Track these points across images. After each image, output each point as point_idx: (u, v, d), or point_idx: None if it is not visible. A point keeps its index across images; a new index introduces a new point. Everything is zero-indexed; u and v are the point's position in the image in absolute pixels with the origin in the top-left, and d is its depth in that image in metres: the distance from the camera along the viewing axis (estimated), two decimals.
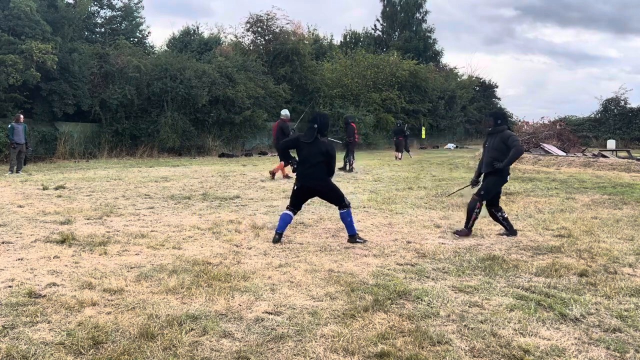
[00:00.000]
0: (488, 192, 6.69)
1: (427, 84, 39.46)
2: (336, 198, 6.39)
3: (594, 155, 21.42)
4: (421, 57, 46.99)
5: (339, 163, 17.20)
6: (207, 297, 4.21)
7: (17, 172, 14.94)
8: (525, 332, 3.59)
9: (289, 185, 10.96)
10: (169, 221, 7.62)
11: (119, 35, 26.66)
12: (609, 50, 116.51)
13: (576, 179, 13.87)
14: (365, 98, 34.55)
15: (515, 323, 3.75)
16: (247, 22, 31.31)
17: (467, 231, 6.71)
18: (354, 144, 16.92)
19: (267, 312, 3.92)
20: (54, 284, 4.54)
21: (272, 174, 13.65)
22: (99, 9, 28.45)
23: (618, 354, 3.30)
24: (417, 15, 52.49)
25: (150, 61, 24.58)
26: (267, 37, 31.22)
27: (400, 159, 22.92)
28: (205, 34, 33.32)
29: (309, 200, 7.05)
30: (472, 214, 6.67)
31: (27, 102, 20.03)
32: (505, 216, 6.82)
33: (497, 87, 57.77)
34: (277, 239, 6.24)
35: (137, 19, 29.64)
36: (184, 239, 6.43)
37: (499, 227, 7.20)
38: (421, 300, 4.21)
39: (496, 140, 6.62)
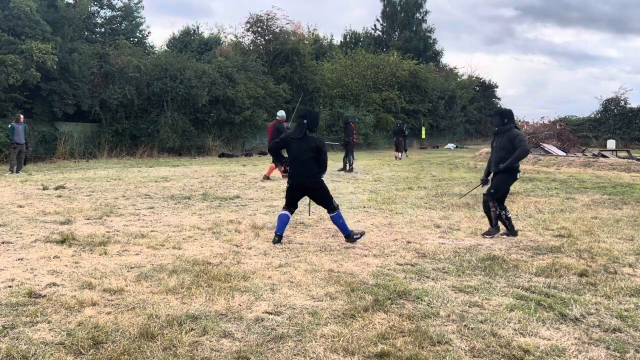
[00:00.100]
0: (498, 191, 6.64)
1: (427, 84, 39.47)
2: (325, 200, 6.34)
3: (594, 155, 21.42)
4: (421, 57, 47.02)
5: (339, 164, 17.22)
6: (207, 297, 4.21)
7: (17, 172, 14.94)
8: (525, 332, 3.59)
9: None
10: (169, 221, 7.62)
11: (119, 35, 26.67)
12: (609, 50, 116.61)
13: (576, 179, 13.87)
14: (365, 98, 34.57)
15: (515, 323, 3.75)
16: (247, 22, 31.37)
17: (494, 230, 6.64)
18: (353, 143, 16.91)
19: (267, 312, 3.92)
20: (54, 284, 4.53)
21: (266, 177, 13.59)
22: (99, 9, 28.48)
23: (618, 354, 3.30)
24: (417, 15, 52.54)
25: (150, 61, 24.59)
26: (267, 37, 31.23)
27: (400, 158, 22.93)
28: (205, 34, 33.36)
29: (308, 200, 7.05)
30: (491, 214, 6.62)
31: (27, 102, 20.04)
32: (509, 216, 6.80)
33: (497, 87, 57.82)
34: (277, 240, 6.23)
35: (137, 19, 29.66)
36: (184, 239, 6.43)
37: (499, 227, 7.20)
38: (421, 300, 4.21)
39: (503, 139, 6.59)
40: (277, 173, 13.76)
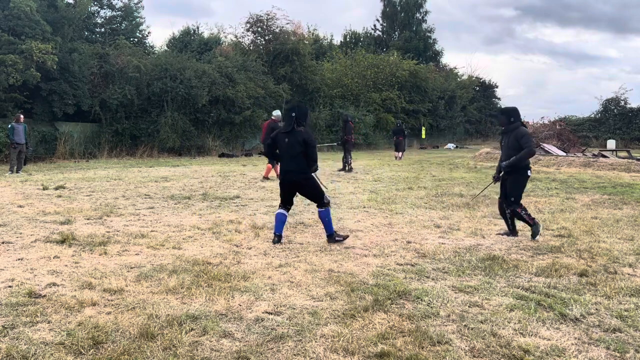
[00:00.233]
0: (517, 194, 6.55)
1: (427, 84, 39.48)
2: (316, 196, 6.29)
3: (594, 155, 21.42)
4: (421, 57, 47.01)
5: (339, 164, 17.21)
6: (207, 297, 4.21)
7: (17, 172, 14.95)
8: (525, 332, 3.59)
9: None
10: (169, 221, 7.62)
11: (119, 35, 26.67)
12: (609, 50, 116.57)
13: (576, 179, 13.87)
14: (365, 98, 34.58)
15: (515, 323, 3.75)
16: (247, 22, 31.37)
17: (537, 226, 6.52)
18: (351, 142, 16.91)
19: (267, 312, 3.92)
20: (54, 284, 4.53)
21: (265, 178, 13.58)
22: (99, 9, 28.49)
23: (618, 354, 3.30)
24: (417, 15, 52.52)
25: (150, 61, 24.60)
26: (267, 37, 31.24)
27: (400, 158, 22.95)
28: (205, 34, 33.36)
29: (308, 201, 7.05)
30: (523, 218, 6.51)
31: (27, 102, 20.04)
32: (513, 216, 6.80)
33: (497, 87, 57.81)
34: (277, 240, 6.22)
35: (137, 19, 29.66)
36: (184, 239, 6.43)
37: (499, 227, 7.21)
38: (421, 300, 4.21)
39: (511, 138, 6.54)
40: (275, 173, 13.75)
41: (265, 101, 27.48)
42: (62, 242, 6.08)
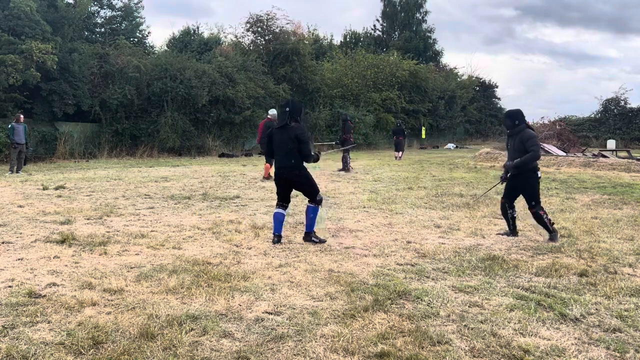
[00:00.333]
0: (536, 197, 6.51)
1: (427, 84, 39.48)
2: (309, 192, 6.26)
3: (594, 155, 21.42)
4: (421, 57, 47.01)
5: (339, 164, 17.20)
6: (207, 297, 4.21)
7: (17, 172, 14.95)
8: (525, 332, 3.59)
9: None
10: (169, 221, 7.62)
11: (119, 35, 26.67)
12: (609, 50, 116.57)
13: (576, 179, 13.87)
14: (365, 98, 34.58)
15: (515, 323, 3.75)
16: (247, 22, 31.36)
17: (554, 235, 6.50)
18: (350, 142, 16.90)
19: (267, 312, 3.92)
20: (54, 284, 4.53)
21: (265, 177, 13.56)
22: (99, 9, 28.48)
23: (618, 354, 3.30)
24: (417, 15, 52.51)
25: (150, 61, 24.60)
26: (267, 37, 31.23)
27: (400, 158, 22.94)
28: (205, 34, 33.35)
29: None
30: (544, 222, 6.49)
31: (27, 102, 20.04)
32: (515, 216, 6.80)
33: (497, 87, 57.82)
34: (277, 240, 6.22)
35: (137, 19, 29.66)
36: (184, 239, 6.43)
37: (499, 227, 7.21)
38: (421, 300, 4.21)
39: (516, 141, 6.51)
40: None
41: (265, 101, 27.48)
42: (62, 242, 6.08)
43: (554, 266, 5.17)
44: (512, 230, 6.75)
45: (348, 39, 50.46)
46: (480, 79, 52.02)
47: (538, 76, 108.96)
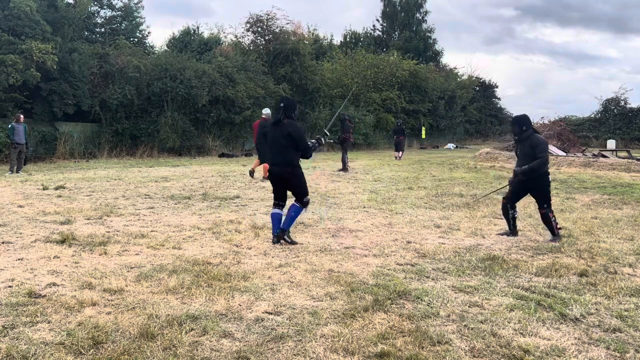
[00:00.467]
0: (548, 200, 6.52)
1: (427, 84, 39.48)
2: (299, 192, 6.20)
3: (594, 155, 21.42)
4: (421, 57, 47.01)
5: (339, 164, 17.20)
6: (207, 297, 4.21)
7: (17, 172, 14.94)
8: (525, 332, 3.59)
9: None
10: (169, 221, 7.62)
11: (119, 35, 26.67)
12: (609, 50, 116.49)
13: (576, 179, 13.87)
14: (365, 98, 34.58)
15: (515, 323, 3.75)
16: (247, 22, 31.33)
17: (558, 237, 6.51)
18: (349, 142, 16.89)
19: (267, 312, 3.92)
20: (54, 284, 4.53)
21: (265, 178, 13.52)
22: (99, 9, 28.46)
23: (618, 354, 3.30)
24: (417, 15, 52.52)
25: (150, 61, 24.59)
26: (267, 37, 31.22)
27: (400, 158, 22.94)
28: (205, 34, 33.34)
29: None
30: (551, 225, 6.50)
31: (27, 102, 20.04)
32: (516, 216, 6.80)
33: (497, 87, 57.81)
34: (276, 240, 6.22)
35: (137, 19, 29.65)
36: (184, 239, 6.43)
37: (499, 227, 7.21)
38: (421, 300, 4.21)
39: (525, 146, 6.51)
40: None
41: (265, 101, 27.46)
42: (62, 242, 6.08)
43: (554, 266, 5.17)
44: (512, 230, 6.75)
45: (348, 39, 50.45)
46: (480, 79, 52.06)
47: (538, 76, 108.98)
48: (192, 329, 3.58)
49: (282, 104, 6.18)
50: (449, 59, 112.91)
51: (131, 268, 5.07)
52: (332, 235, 6.73)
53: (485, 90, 52.16)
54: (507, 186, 7.10)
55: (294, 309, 4.00)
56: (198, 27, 34.85)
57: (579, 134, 33.20)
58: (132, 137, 23.39)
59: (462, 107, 45.71)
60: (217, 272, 4.87)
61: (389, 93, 35.62)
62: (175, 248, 5.93)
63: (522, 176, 6.49)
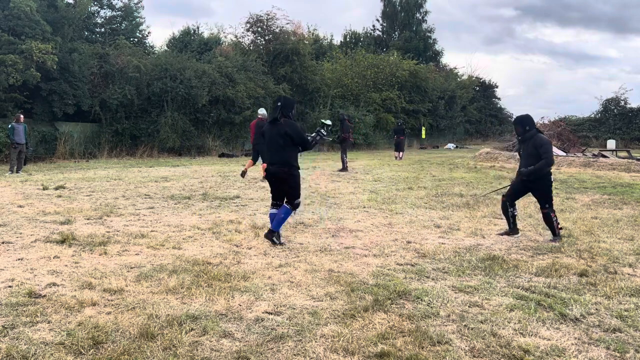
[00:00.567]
0: (550, 200, 6.52)
1: (427, 84, 39.48)
2: (292, 193, 6.14)
3: (594, 155, 21.42)
4: (421, 57, 47.02)
5: (338, 164, 17.20)
6: (207, 297, 4.21)
7: (17, 172, 14.94)
8: (525, 332, 3.59)
9: None
10: (169, 221, 7.62)
11: (119, 35, 26.67)
12: (609, 50, 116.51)
13: (576, 179, 13.87)
14: (365, 98, 34.58)
15: (515, 323, 3.75)
16: (247, 22, 31.34)
17: (558, 237, 6.50)
18: (348, 142, 16.89)
19: (267, 312, 3.92)
20: (54, 284, 4.53)
21: (265, 178, 13.50)
22: (99, 9, 28.47)
23: (618, 354, 3.30)
24: (417, 15, 52.53)
25: (150, 61, 24.60)
26: (267, 37, 31.22)
27: (400, 158, 22.94)
28: (205, 34, 33.34)
29: (308, 200, 7.03)
30: (552, 225, 6.49)
31: (27, 102, 20.04)
32: (516, 214, 6.79)
33: (497, 87, 57.87)
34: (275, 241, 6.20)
35: (137, 19, 29.65)
36: (184, 239, 6.43)
37: (499, 227, 7.21)
38: (421, 300, 4.21)
39: (529, 146, 6.48)
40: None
41: (265, 101, 27.47)
42: (62, 242, 6.08)
43: (554, 266, 5.17)
44: (512, 229, 6.74)
45: (348, 39, 50.46)
46: (480, 79, 52.08)
47: (538, 76, 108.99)
48: (192, 329, 3.58)
49: (279, 103, 6.15)
50: (449, 59, 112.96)
51: (131, 268, 5.07)
52: (332, 235, 6.73)
53: (485, 90, 52.18)
54: (508, 186, 7.10)
55: (294, 309, 4.00)
56: (198, 27, 34.89)
57: (579, 134, 33.22)
58: (132, 137, 23.39)
59: (462, 107, 45.72)
60: (217, 272, 4.87)
61: (389, 93, 35.62)
62: (175, 248, 5.93)
63: (527, 177, 6.48)
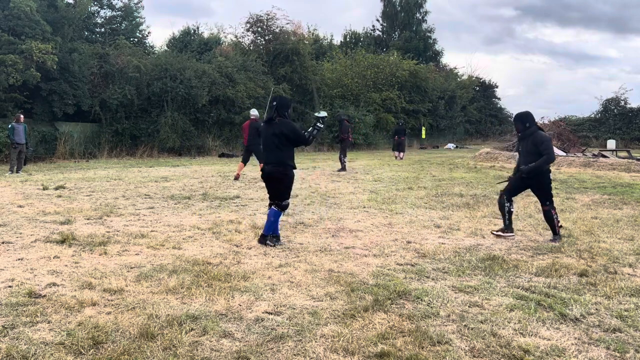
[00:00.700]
0: (550, 197, 6.51)
1: (427, 84, 39.49)
2: (281, 193, 6.09)
3: (594, 155, 21.42)
4: (421, 57, 47.02)
5: (338, 164, 17.20)
6: (207, 297, 4.21)
7: (17, 172, 14.95)
8: (525, 332, 3.59)
9: None
10: (169, 221, 7.62)
11: (119, 35, 26.67)
12: (609, 50, 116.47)
13: (576, 179, 13.87)
14: (365, 98, 34.58)
15: (515, 323, 3.75)
16: (247, 22, 31.35)
17: (558, 237, 6.50)
18: (347, 142, 16.89)
19: (267, 312, 3.92)
20: (54, 284, 4.53)
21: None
22: (99, 9, 28.47)
23: (618, 354, 3.30)
24: (417, 15, 52.52)
25: (150, 61, 24.59)
26: (267, 37, 31.23)
27: (401, 158, 22.92)
28: (205, 34, 33.34)
29: (308, 200, 7.03)
30: (553, 223, 6.49)
31: (27, 102, 20.04)
32: (512, 210, 6.76)
33: (497, 87, 57.83)
34: (275, 241, 6.20)
35: (137, 19, 29.65)
36: (184, 239, 6.43)
37: (499, 227, 7.20)
38: (421, 300, 4.21)
39: (529, 143, 6.45)
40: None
41: (265, 101, 27.42)
42: (62, 242, 6.08)
43: (554, 266, 5.17)
44: (508, 226, 6.67)
45: (348, 39, 50.46)
46: (480, 79, 52.08)
47: (538, 76, 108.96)
48: (192, 329, 3.58)
49: (274, 103, 6.14)
50: (449, 59, 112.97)
51: (131, 268, 5.07)
52: (332, 235, 6.73)
53: (485, 90, 52.17)
54: (506, 181, 7.09)
55: (294, 309, 4.00)
56: (198, 27, 34.88)
57: (579, 134, 33.21)
58: (132, 137, 23.39)
59: (462, 107, 45.72)
60: (217, 272, 4.87)
61: (389, 93, 35.63)
62: (175, 248, 5.93)
63: (527, 174, 6.47)
